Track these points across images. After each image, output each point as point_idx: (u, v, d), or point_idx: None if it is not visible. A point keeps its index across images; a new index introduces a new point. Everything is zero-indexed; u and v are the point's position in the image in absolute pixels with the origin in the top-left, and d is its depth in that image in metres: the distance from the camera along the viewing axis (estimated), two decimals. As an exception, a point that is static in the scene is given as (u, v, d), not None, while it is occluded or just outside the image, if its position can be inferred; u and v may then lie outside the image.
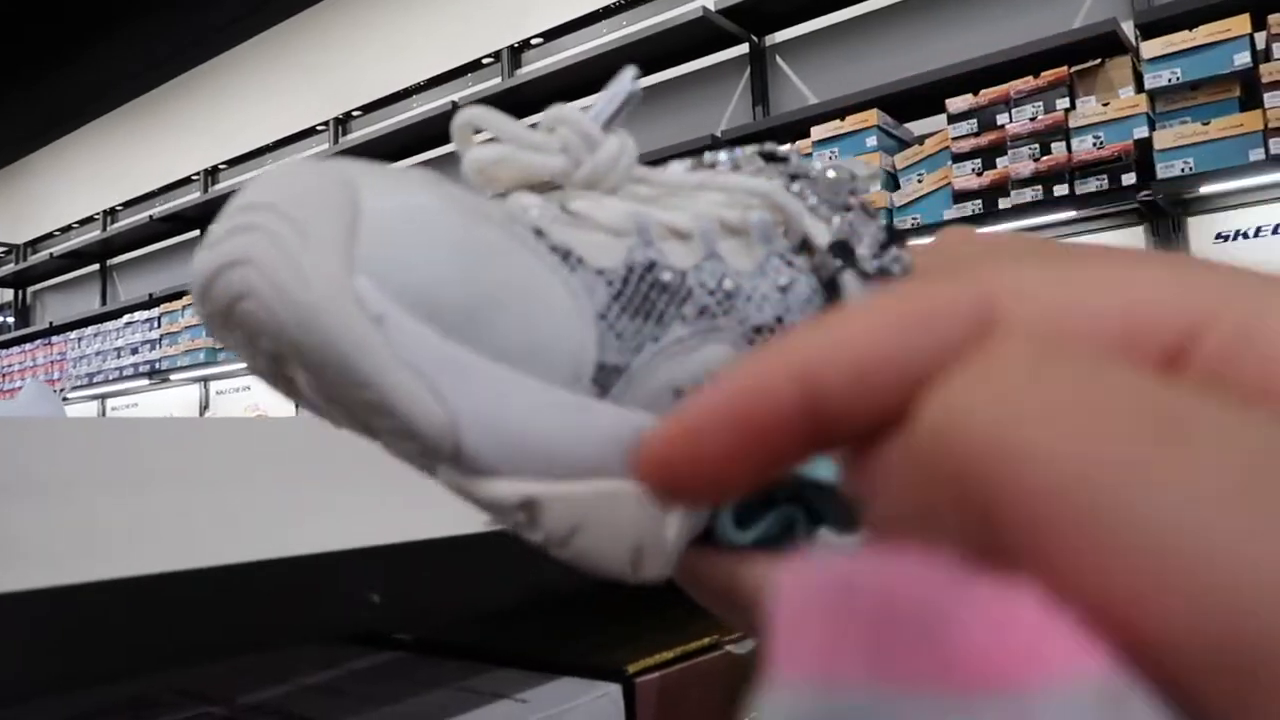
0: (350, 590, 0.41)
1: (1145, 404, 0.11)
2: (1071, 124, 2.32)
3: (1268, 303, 0.13)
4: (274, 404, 4.14)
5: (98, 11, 5.01)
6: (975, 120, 2.47)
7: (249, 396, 4.82)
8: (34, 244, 6.42)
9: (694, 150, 0.36)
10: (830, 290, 0.30)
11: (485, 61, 3.96)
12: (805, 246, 0.30)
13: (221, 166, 5.19)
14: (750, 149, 0.32)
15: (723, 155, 0.32)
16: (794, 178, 0.30)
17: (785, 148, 0.31)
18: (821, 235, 0.29)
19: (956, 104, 2.50)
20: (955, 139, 2.47)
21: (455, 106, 3.69)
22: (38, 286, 6.63)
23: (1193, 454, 0.10)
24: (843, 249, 0.29)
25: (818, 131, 2.67)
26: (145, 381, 5.02)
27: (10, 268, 6.39)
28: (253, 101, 5.13)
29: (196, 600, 0.36)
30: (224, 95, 5.31)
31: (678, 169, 0.29)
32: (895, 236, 0.31)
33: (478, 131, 0.26)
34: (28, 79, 5.69)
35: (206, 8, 4.85)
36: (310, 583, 0.40)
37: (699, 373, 0.25)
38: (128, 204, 5.68)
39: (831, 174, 0.31)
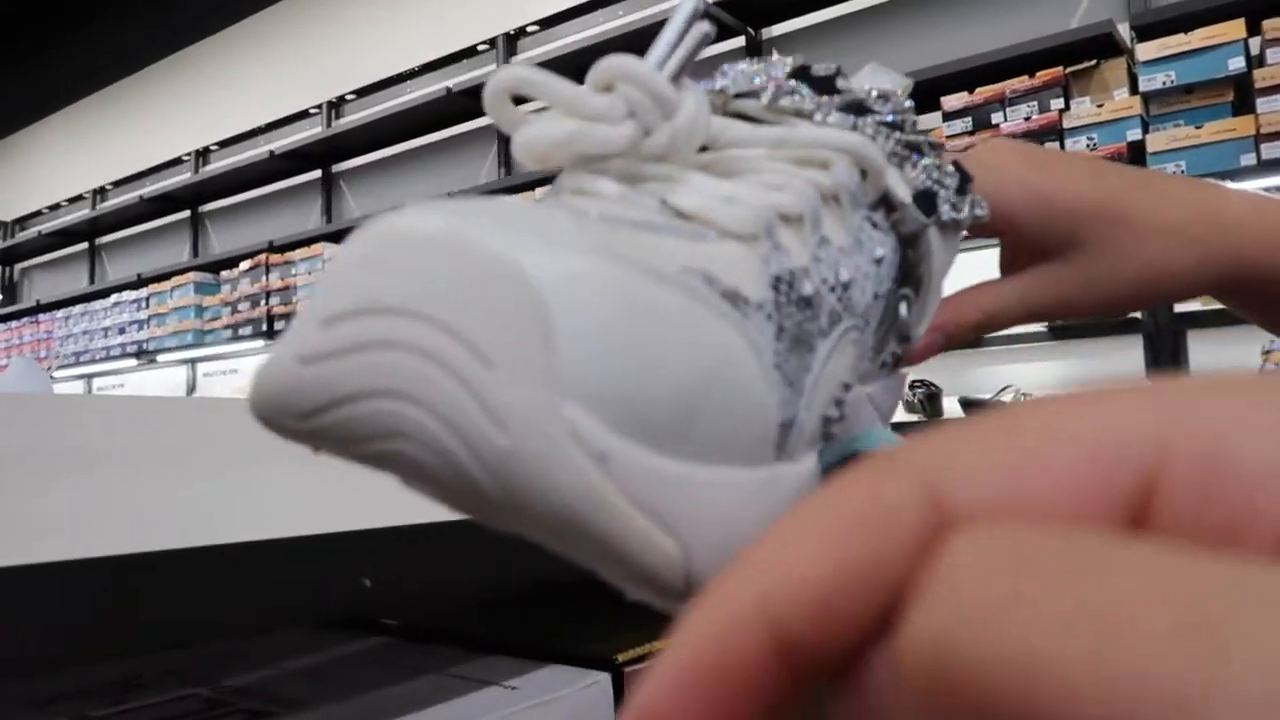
0: (342, 574, 0.41)
1: (1156, 592, 0.09)
2: (1066, 124, 2.33)
3: (1225, 427, 0.11)
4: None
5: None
6: (970, 118, 2.47)
7: (236, 379, 4.80)
8: (22, 221, 6.37)
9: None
10: (911, 247, 0.26)
11: (480, 48, 3.94)
12: (884, 200, 0.26)
13: (213, 148, 5.16)
14: (786, 65, 0.26)
15: (749, 70, 0.26)
16: (859, 112, 0.25)
17: (822, 66, 0.26)
18: (902, 187, 0.26)
19: (951, 102, 2.50)
20: (950, 136, 2.47)
21: (449, 92, 3.67)
22: (25, 264, 6.58)
23: (1222, 646, 0.09)
24: (927, 200, 0.26)
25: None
26: (132, 362, 5.00)
27: (-2, 245, 6.35)
28: (246, 83, 5.09)
29: (184, 581, 0.35)
30: (217, 76, 5.27)
31: (739, 125, 0.24)
32: (967, 176, 0.28)
33: (518, 101, 0.21)
34: (18, 56, 5.64)
35: (200, -13, 4.81)
36: (302, 566, 0.39)
37: (839, 385, 0.22)
38: (118, 183, 5.64)
39: (889, 102, 0.26)
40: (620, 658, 0.53)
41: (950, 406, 2.56)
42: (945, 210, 0.26)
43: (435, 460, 0.15)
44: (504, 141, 3.88)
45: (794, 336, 0.19)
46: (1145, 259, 0.34)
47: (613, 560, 0.17)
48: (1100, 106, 2.30)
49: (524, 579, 0.51)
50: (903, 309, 0.27)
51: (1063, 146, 2.31)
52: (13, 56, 5.63)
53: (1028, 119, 2.38)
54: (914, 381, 2.65)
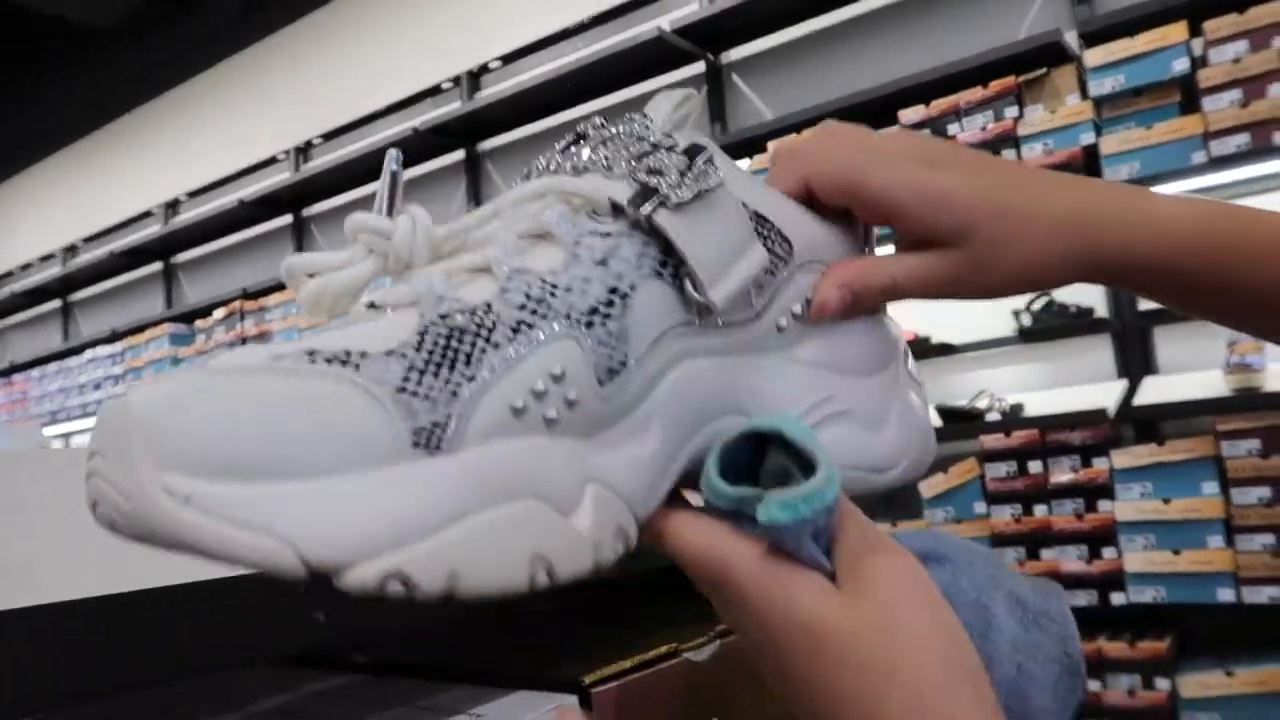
0: (294, 609, 0.42)
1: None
2: (1021, 132, 2.37)
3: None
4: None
5: (48, 47, 4.97)
6: (928, 130, 2.51)
7: (216, 429, 4.76)
8: (-7, 282, 6.33)
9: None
10: (655, 236, 0.32)
11: (445, 86, 3.97)
12: (620, 210, 0.32)
13: (182, 198, 5.15)
14: (563, 142, 0.34)
15: (541, 161, 0.34)
16: (591, 147, 0.32)
17: (586, 124, 0.35)
18: (621, 193, 0.31)
19: (909, 115, 2.55)
20: (909, 150, 2.51)
21: (416, 132, 3.70)
22: (-3, 325, 6.54)
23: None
24: (647, 193, 0.31)
25: (776, 147, 2.71)
26: (109, 417, 4.95)
27: (-31, 307, 6.30)
28: (212, 132, 5.10)
29: (139, 623, 0.36)
30: (183, 127, 5.27)
31: (480, 210, 0.32)
32: (697, 152, 0.33)
33: (311, 275, 0.29)
34: (81, 63, 5.63)
35: (160, 42, 4.82)
36: (253, 603, 0.40)
37: (536, 379, 0.28)
38: (88, 239, 5.62)
39: (622, 127, 0.33)
40: (587, 679, 0.54)
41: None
42: (671, 195, 0.31)
43: (124, 530, 0.23)
44: (472, 176, 3.91)
45: (438, 361, 0.26)
46: (1023, 250, 0.38)
47: (244, 567, 0.23)
48: (1053, 113, 2.34)
49: (483, 607, 0.52)
50: (687, 285, 0.32)
51: (1019, 154, 2.35)
52: (79, 67, 5.62)
53: (984, 129, 2.42)
54: (889, 393, 2.66)
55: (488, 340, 0.27)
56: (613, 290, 0.30)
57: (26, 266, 6.05)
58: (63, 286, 5.72)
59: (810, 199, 0.39)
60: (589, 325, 0.29)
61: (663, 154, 0.32)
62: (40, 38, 4.88)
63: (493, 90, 3.71)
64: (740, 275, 0.33)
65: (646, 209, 0.31)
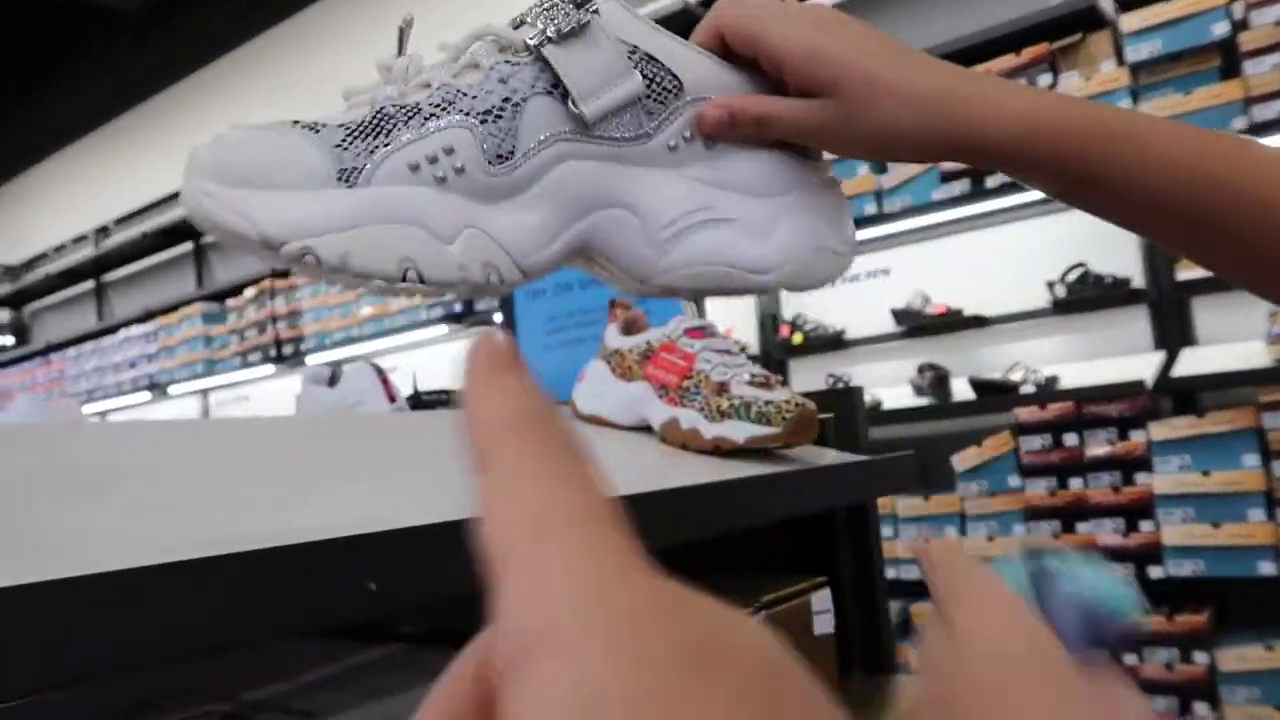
0: (346, 579, 0.42)
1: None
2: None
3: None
4: (274, 411, 4.14)
5: (78, 32, 5.01)
6: (960, 100, 2.47)
7: (248, 406, 4.82)
8: (29, 264, 6.41)
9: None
10: (545, 64, 0.43)
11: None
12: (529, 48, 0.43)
13: None
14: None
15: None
16: (530, 9, 0.44)
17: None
18: (530, 34, 0.43)
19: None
20: (941, 120, 2.48)
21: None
22: (34, 306, 6.63)
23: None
24: (546, 35, 0.43)
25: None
26: (145, 395, 5.03)
27: (7, 288, 6.39)
28: (239, 114, 5.12)
29: (192, 593, 0.36)
30: (210, 109, 5.30)
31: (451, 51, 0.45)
32: (585, 2, 0.43)
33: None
34: (12, 101, 5.68)
35: (186, 25, 4.84)
36: (306, 572, 0.40)
37: (432, 150, 0.41)
38: (120, 220, 5.68)
39: None
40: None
41: (960, 388, 2.56)
42: (553, 33, 0.43)
43: (186, 206, 0.40)
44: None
45: (366, 132, 0.41)
46: (884, 113, 0.43)
47: (236, 238, 0.39)
48: (1088, 80, 2.30)
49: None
50: (568, 103, 0.43)
51: (1054, 122, 2.31)
52: (7, 102, 5.68)
53: (1017, 97, 2.38)
54: (921, 365, 2.65)
55: (405, 124, 0.41)
56: (505, 99, 0.42)
57: (60, 248, 6.12)
58: (96, 267, 5.79)
59: (725, 50, 0.46)
60: (483, 121, 0.41)
61: (559, 5, 0.43)
62: (70, 22, 4.91)
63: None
64: (613, 97, 0.43)
65: (532, 41, 0.42)
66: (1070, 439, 2.25)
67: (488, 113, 0.41)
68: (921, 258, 2.83)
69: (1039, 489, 2.28)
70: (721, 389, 0.86)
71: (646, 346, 0.92)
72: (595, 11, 0.44)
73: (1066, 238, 2.52)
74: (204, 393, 5.04)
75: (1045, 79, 2.36)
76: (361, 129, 0.40)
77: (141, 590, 0.34)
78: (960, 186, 2.45)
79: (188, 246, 5.34)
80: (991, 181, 2.40)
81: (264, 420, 0.89)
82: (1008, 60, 2.41)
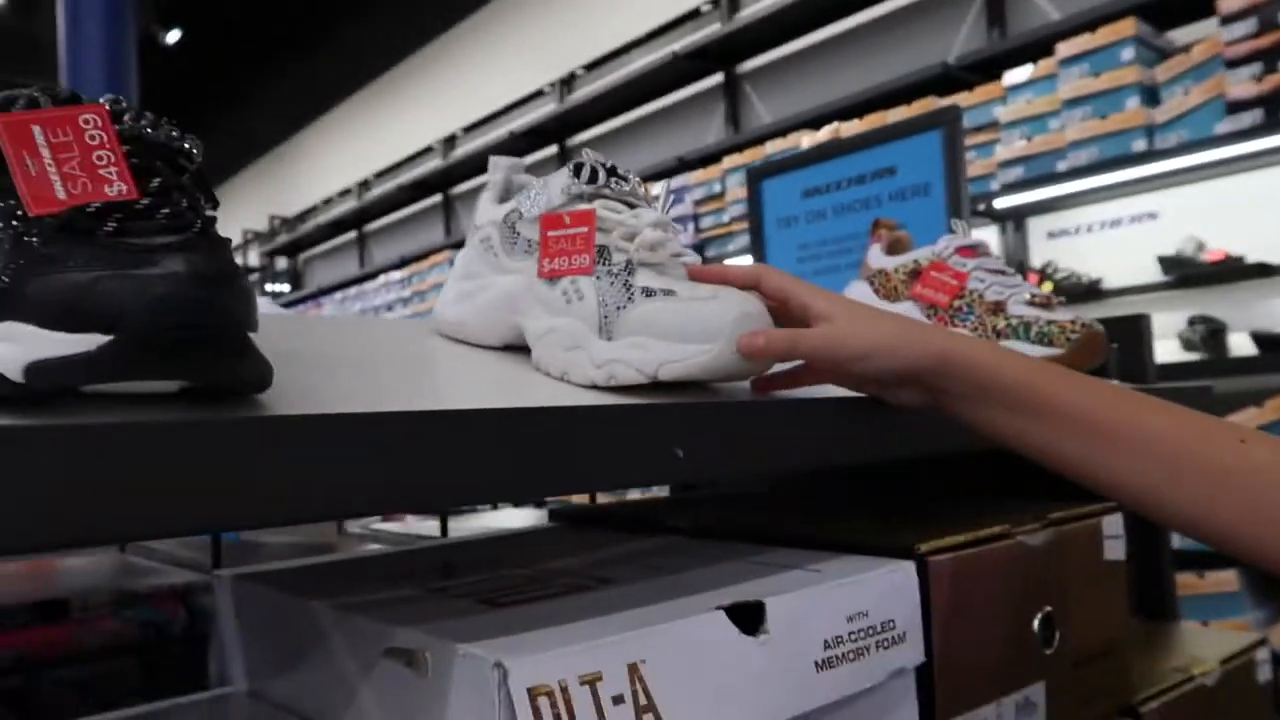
0: (657, 443, 0.43)
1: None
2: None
3: None
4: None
5: (334, 5, 5.42)
6: (1255, 19, 2.20)
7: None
8: (302, 216, 7.08)
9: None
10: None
11: (703, 9, 3.95)
12: None
13: (458, 134, 5.49)
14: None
15: None
16: None
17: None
18: None
19: (1230, 3, 2.24)
20: (1229, 43, 2.22)
21: (675, 56, 3.71)
22: (306, 254, 7.32)
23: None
24: None
25: (1065, 48, 2.48)
26: (398, 337, 5.43)
27: (285, 239, 7.10)
28: (482, 71, 5.38)
29: (512, 437, 0.39)
30: (456, 67, 5.60)
31: None
32: None
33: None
34: (289, 66, 6.26)
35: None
36: (622, 433, 0.42)
37: None
38: (379, 174, 6.14)
39: None
40: (923, 547, 0.53)
41: (1239, 343, 2.31)
42: None
43: None
44: (731, 99, 3.88)
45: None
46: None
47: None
48: None
49: (821, 463, 0.52)
50: None
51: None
52: (283, 69, 6.26)
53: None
54: (1193, 317, 2.41)
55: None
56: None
57: (328, 201, 6.72)
58: (358, 218, 6.31)
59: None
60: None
61: None
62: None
63: (752, 9, 3.65)
64: None
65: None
66: (1376, 401, 1.98)
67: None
68: (1197, 200, 2.57)
69: (1334, 456, 2.03)
70: (997, 308, 0.82)
71: (914, 265, 0.89)
72: None
73: (1382, 174, 2.20)
74: (450, 335, 5.39)
75: None
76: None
77: (491, 427, 0.37)
78: (1252, 117, 2.19)
79: (437, 198, 5.71)
80: (1290, 111, 2.13)
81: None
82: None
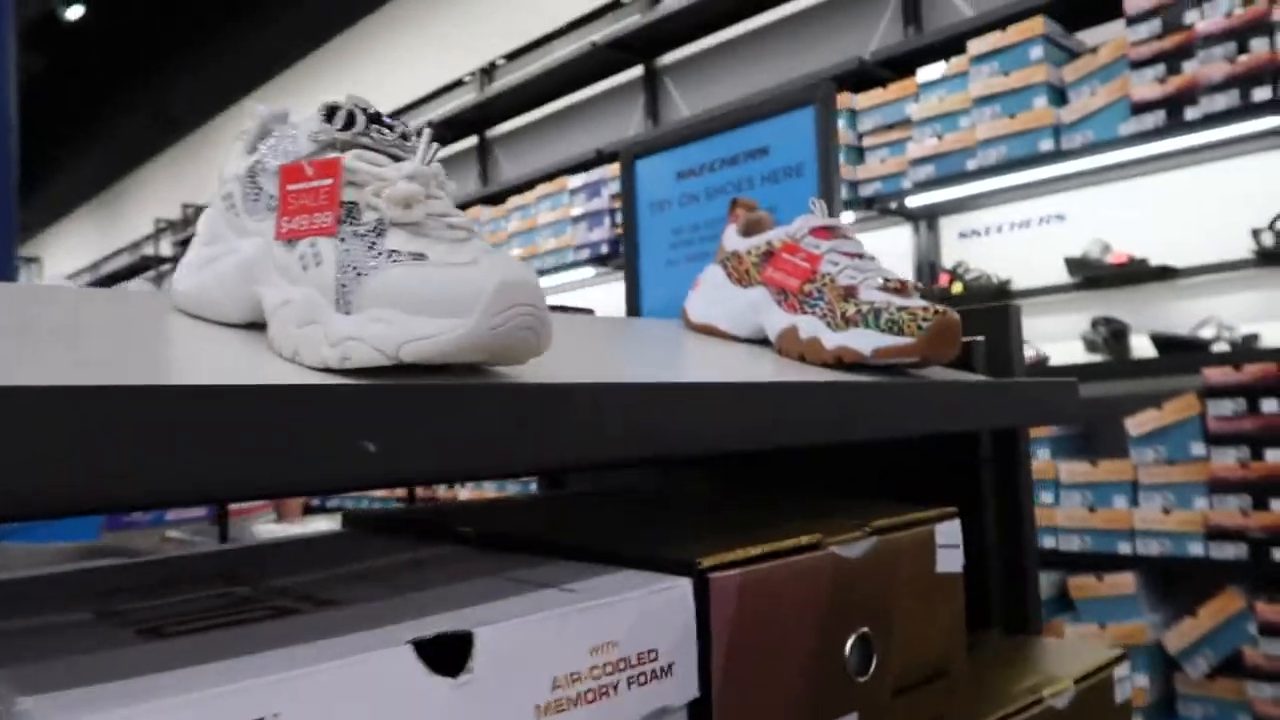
0: (342, 435, 0.34)
1: None
2: (1278, 16, 2.03)
3: None
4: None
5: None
6: (1159, 21, 2.20)
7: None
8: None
9: None
10: None
11: (625, 1, 3.87)
12: None
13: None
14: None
15: None
16: None
17: None
18: None
19: (1136, 3, 2.23)
20: (1135, 44, 2.21)
21: (595, 46, 3.62)
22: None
23: None
24: None
25: (976, 45, 2.46)
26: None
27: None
28: (404, 59, 5.23)
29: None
30: (375, 55, 5.44)
31: None
32: None
33: None
34: (208, 45, 6.00)
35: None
36: (298, 422, 0.33)
37: None
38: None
39: None
40: (705, 562, 0.45)
41: (1140, 345, 2.31)
42: None
43: None
44: (650, 92, 3.81)
45: None
46: None
47: None
48: None
49: (614, 489, 0.43)
50: None
51: (1274, 44, 2.02)
52: (205, 48, 5.98)
53: (1229, 15, 2.09)
54: (1096, 319, 2.41)
55: None
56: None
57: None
58: None
59: None
60: None
61: None
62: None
63: (673, 1, 3.58)
64: None
65: None
66: (1269, 405, 1.99)
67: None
68: (1103, 201, 2.57)
69: (1227, 459, 2.03)
70: (848, 294, 0.75)
71: (767, 247, 0.82)
72: None
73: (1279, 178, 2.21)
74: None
75: None
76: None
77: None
78: (1154, 119, 2.18)
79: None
80: (1192, 113, 2.13)
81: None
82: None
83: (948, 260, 2.86)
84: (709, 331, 0.86)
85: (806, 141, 1.01)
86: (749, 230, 0.86)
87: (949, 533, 0.58)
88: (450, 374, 0.42)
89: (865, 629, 0.52)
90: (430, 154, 0.49)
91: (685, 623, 0.43)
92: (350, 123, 0.50)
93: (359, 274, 0.43)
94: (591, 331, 0.78)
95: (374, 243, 0.45)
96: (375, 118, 0.51)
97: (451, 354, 0.40)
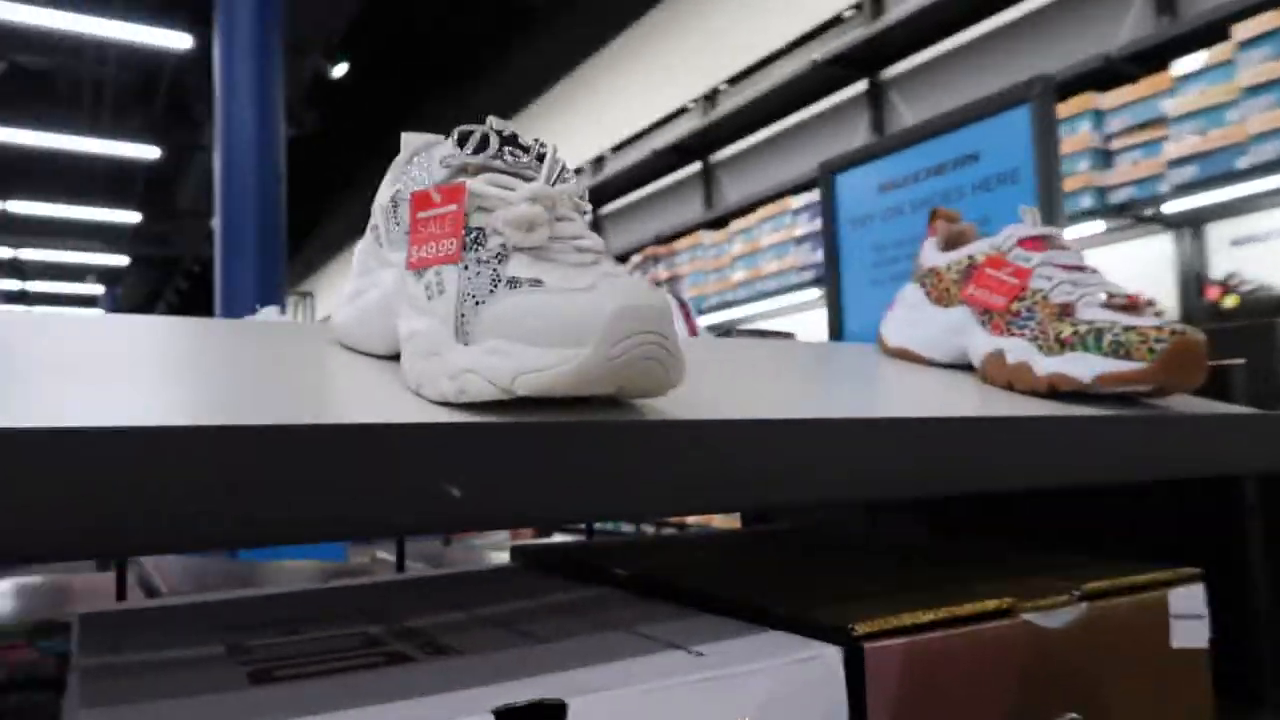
0: (423, 477, 0.32)
1: None
2: None
3: None
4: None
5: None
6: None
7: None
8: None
9: None
10: None
11: (846, 14, 3.77)
12: None
13: (606, 154, 5.41)
14: None
15: None
16: None
17: None
18: None
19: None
20: None
21: (815, 64, 3.55)
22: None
23: None
24: None
25: (1243, 29, 2.17)
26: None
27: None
28: (628, 91, 5.36)
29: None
30: (599, 92, 5.60)
31: None
32: None
33: None
34: (449, 93, 6.45)
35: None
36: (373, 462, 0.31)
37: None
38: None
39: None
40: (860, 629, 0.39)
41: None
42: None
43: None
44: (875, 107, 3.68)
45: None
46: None
47: None
48: None
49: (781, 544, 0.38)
50: None
51: None
52: (446, 97, 6.43)
53: None
54: None
55: None
56: None
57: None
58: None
59: None
60: None
61: None
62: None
63: (897, 11, 3.44)
64: None
65: None
66: None
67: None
68: None
69: None
70: (1064, 312, 0.65)
71: (968, 262, 0.73)
72: None
73: None
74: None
75: None
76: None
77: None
78: None
79: (588, 219, 5.65)
80: None
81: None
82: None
83: (1217, 271, 2.54)
84: (905, 356, 0.78)
85: (1022, 144, 0.90)
86: (950, 244, 0.78)
87: (1189, 599, 0.48)
88: (577, 409, 0.39)
89: (1073, 716, 0.43)
90: (556, 173, 0.46)
91: (833, 700, 0.37)
92: (483, 146, 0.48)
93: (477, 303, 0.41)
94: (774, 358, 0.72)
95: (496, 269, 0.42)
96: (510, 139, 0.49)
97: (568, 387, 0.36)
